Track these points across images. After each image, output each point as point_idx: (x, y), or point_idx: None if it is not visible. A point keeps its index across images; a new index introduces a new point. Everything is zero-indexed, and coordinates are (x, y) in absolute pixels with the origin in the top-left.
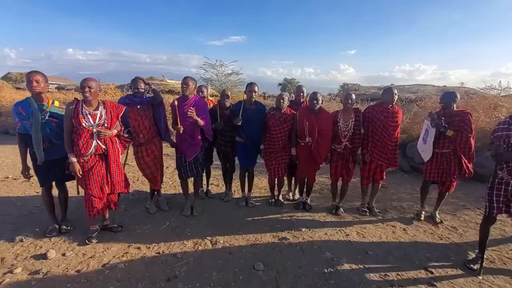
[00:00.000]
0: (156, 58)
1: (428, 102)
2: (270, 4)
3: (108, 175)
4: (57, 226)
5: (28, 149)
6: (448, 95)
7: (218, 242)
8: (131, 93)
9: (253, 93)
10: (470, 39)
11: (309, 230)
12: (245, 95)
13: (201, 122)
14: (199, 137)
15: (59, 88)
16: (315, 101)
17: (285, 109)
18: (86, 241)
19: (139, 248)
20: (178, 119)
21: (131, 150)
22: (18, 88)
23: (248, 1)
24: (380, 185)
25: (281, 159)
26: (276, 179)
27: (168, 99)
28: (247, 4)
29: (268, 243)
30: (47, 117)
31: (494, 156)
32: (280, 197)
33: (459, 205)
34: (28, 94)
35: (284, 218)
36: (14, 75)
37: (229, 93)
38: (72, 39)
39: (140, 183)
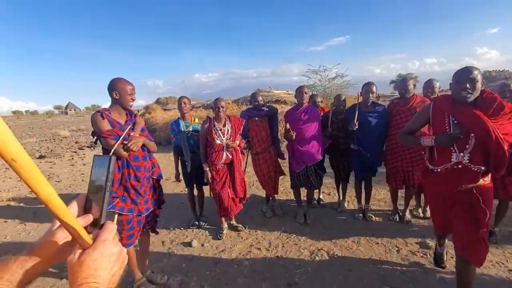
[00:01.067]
0: (261, 72)
1: None
2: None
3: (233, 182)
4: (197, 221)
5: (179, 158)
6: None
7: (336, 255)
8: (251, 106)
9: (371, 94)
10: None
11: (452, 258)
12: (360, 97)
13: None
14: (313, 147)
15: (192, 107)
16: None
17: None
18: (218, 236)
19: (259, 249)
20: (290, 127)
21: (249, 158)
22: (165, 109)
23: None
24: None
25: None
26: (399, 189)
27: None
28: (346, 3)
29: (395, 265)
30: (191, 132)
31: None
32: (407, 213)
33: None
34: (174, 113)
35: (414, 239)
36: (162, 99)
37: (344, 97)
38: (197, 66)
39: (255, 188)
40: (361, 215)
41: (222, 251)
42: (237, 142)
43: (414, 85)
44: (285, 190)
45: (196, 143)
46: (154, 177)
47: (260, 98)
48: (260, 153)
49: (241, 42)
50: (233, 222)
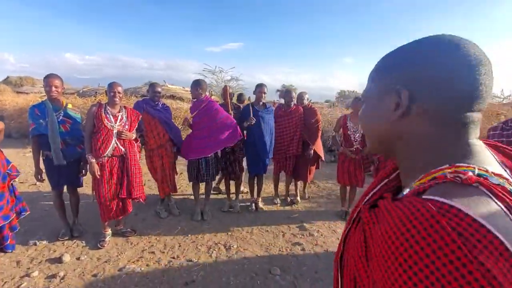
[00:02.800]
0: (154, 64)
1: None
2: (266, 11)
3: (126, 179)
4: (69, 230)
5: (41, 152)
6: None
7: (232, 247)
8: (149, 97)
9: (263, 94)
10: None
11: (322, 235)
12: (251, 99)
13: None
14: (208, 140)
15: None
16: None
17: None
18: (99, 245)
19: (153, 252)
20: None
21: (143, 154)
22: (19, 92)
23: (245, 8)
24: None
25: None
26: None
27: (171, 104)
28: (244, 12)
29: (281, 248)
30: (61, 117)
31: None
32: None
33: None
34: (33, 98)
35: (296, 223)
36: (14, 79)
37: (247, 97)
38: (70, 45)
39: (147, 188)
40: (253, 207)
41: (106, 261)
42: (134, 134)
43: (295, 97)
44: (181, 188)
45: (69, 132)
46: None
47: (159, 90)
48: (155, 150)
49: (130, 26)
50: (120, 227)
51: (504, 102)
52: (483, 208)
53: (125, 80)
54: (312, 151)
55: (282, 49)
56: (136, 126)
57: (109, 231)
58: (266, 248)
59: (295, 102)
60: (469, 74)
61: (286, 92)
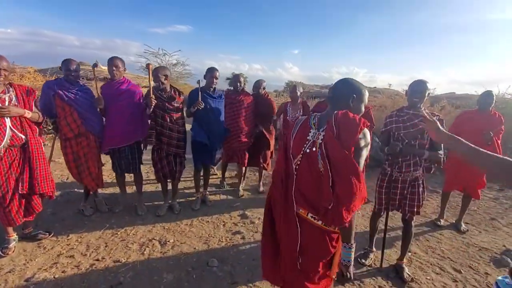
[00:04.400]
0: (87, 42)
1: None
2: None
3: (29, 173)
4: None
5: None
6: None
7: (168, 241)
8: (63, 76)
9: (214, 79)
10: (394, 47)
11: (260, 220)
12: (201, 83)
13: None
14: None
15: None
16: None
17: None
18: (1, 253)
19: (72, 256)
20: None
21: (57, 144)
22: None
23: None
24: None
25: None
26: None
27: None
28: None
29: (222, 238)
30: None
31: (390, 154)
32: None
33: None
34: None
35: (237, 212)
36: None
37: (166, 73)
38: None
39: (71, 182)
40: (198, 205)
41: (10, 271)
42: (24, 111)
43: (245, 83)
44: (113, 180)
45: None
46: None
47: (75, 67)
48: (72, 139)
49: None
50: (29, 230)
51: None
52: None
53: (49, 58)
54: (260, 129)
55: (232, 36)
56: (44, 109)
57: (14, 236)
58: (206, 240)
59: (242, 87)
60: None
61: (234, 77)
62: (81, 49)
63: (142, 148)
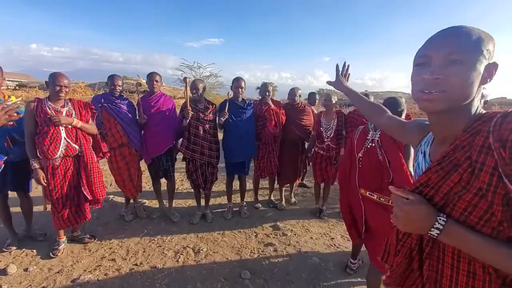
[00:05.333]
0: (130, 58)
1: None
2: (247, 7)
3: (86, 180)
4: (16, 240)
5: None
6: None
7: (201, 250)
8: (108, 91)
9: (240, 89)
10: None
11: (295, 235)
12: (230, 94)
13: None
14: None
15: (21, 86)
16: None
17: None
18: (51, 254)
19: (113, 260)
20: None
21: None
22: None
23: (226, 4)
24: None
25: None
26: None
27: None
28: (225, 7)
29: (253, 249)
30: None
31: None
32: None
33: None
34: None
35: (269, 223)
36: None
37: (203, 85)
38: (36, 35)
39: (114, 188)
40: (230, 215)
41: (58, 272)
42: (76, 120)
43: (273, 91)
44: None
45: (15, 128)
46: None
47: (120, 83)
48: (116, 148)
49: (104, 17)
50: (77, 233)
51: None
52: None
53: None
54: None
55: (262, 46)
56: (96, 123)
57: (64, 238)
58: (238, 250)
59: (270, 95)
60: None
61: (262, 86)
62: (124, 64)
63: (175, 156)
